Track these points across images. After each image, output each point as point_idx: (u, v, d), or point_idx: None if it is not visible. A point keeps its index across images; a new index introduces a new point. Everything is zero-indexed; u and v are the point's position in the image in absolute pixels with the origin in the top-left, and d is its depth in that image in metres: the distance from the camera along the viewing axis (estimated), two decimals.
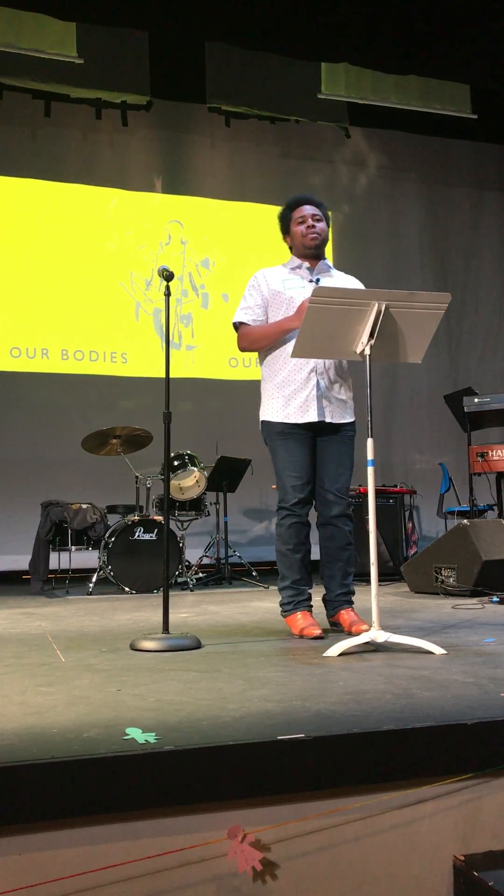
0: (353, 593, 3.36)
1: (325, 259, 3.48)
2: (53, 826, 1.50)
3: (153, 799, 1.55)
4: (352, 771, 1.67)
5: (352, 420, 3.41)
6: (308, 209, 3.43)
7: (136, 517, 5.72)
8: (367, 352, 2.89)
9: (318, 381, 3.31)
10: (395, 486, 6.89)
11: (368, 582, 2.87)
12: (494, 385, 8.68)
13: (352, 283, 3.47)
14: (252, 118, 8.31)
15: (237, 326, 3.45)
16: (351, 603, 3.34)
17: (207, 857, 1.56)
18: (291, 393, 3.31)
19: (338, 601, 3.33)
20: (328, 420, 3.32)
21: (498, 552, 4.92)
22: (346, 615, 3.28)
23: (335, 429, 3.35)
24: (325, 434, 3.34)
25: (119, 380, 7.72)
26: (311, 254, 3.42)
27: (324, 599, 3.38)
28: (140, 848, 1.53)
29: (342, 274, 3.53)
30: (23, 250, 7.57)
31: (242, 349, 3.49)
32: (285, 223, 3.49)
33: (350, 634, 3.09)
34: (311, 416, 3.29)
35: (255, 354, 3.53)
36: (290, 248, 3.51)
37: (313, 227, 3.40)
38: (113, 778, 1.53)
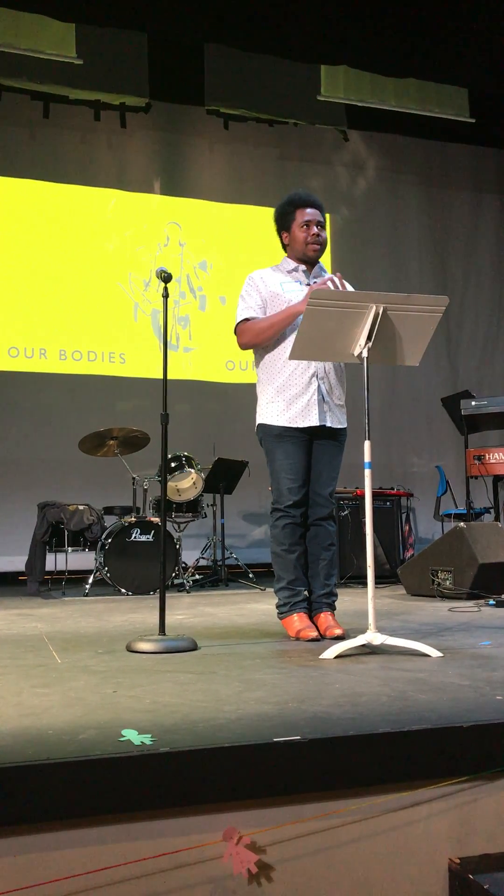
0: (334, 595, 3.36)
1: (319, 263, 3.47)
2: (49, 828, 1.50)
3: (149, 801, 1.54)
4: (348, 773, 1.67)
5: (346, 425, 3.42)
6: (312, 213, 3.36)
7: (132, 518, 5.72)
8: (365, 354, 2.89)
9: (319, 386, 3.30)
10: (393, 488, 6.90)
11: (365, 584, 2.87)
12: (494, 388, 8.69)
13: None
14: (251, 120, 8.31)
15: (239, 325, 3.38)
16: (332, 607, 3.34)
17: (203, 858, 1.56)
18: (292, 397, 3.30)
19: (319, 602, 3.34)
20: (328, 425, 3.32)
21: (494, 555, 4.92)
22: (323, 619, 3.28)
23: (332, 433, 3.35)
24: (321, 438, 3.34)
25: (117, 380, 7.72)
26: (307, 261, 3.41)
27: (307, 599, 3.39)
28: (135, 850, 1.53)
29: None
30: (21, 250, 7.57)
31: (245, 344, 3.37)
32: (286, 220, 3.40)
33: (324, 637, 3.16)
34: (313, 421, 3.29)
35: (252, 358, 3.50)
36: (286, 246, 3.44)
37: (318, 235, 3.34)
38: (109, 779, 1.53)
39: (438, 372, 8.71)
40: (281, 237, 3.46)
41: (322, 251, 3.40)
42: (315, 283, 3.38)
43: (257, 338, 3.33)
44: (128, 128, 7.98)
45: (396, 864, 1.68)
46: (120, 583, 5.56)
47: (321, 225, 3.38)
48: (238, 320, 3.38)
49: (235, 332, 3.41)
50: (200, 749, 1.59)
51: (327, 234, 3.47)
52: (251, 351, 3.47)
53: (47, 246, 7.65)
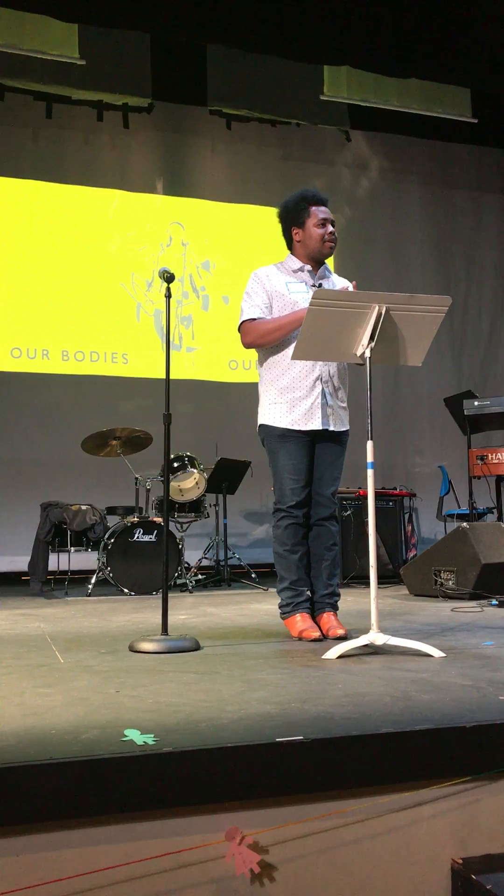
0: (337, 595, 3.35)
1: (325, 263, 3.46)
2: (52, 827, 1.50)
3: (151, 800, 1.55)
4: (350, 773, 1.67)
5: (349, 427, 3.42)
6: (327, 211, 3.34)
7: (135, 518, 5.72)
8: (368, 354, 2.89)
9: (323, 390, 3.29)
10: (395, 488, 6.89)
11: (367, 584, 2.86)
12: (497, 388, 8.69)
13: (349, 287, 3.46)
14: (253, 121, 8.32)
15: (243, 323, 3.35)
16: (335, 607, 3.34)
17: (205, 858, 1.56)
18: (296, 399, 3.29)
19: (322, 602, 3.34)
20: (331, 428, 3.31)
21: (497, 555, 4.92)
22: (326, 619, 3.28)
23: (335, 436, 3.35)
24: (324, 440, 3.34)
25: (119, 380, 7.73)
26: (319, 259, 3.38)
27: (310, 599, 3.39)
28: (138, 849, 1.53)
29: (339, 278, 3.51)
30: (24, 251, 7.58)
31: (249, 343, 3.33)
32: (300, 216, 3.34)
33: (326, 638, 3.16)
34: (316, 425, 3.28)
35: (255, 357, 3.49)
36: (297, 242, 3.37)
37: (333, 234, 3.33)
38: (111, 779, 1.53)
39: (441, 372, 8.71)
40: (290, 232, 3.40)
41: (334, 250, 3.39)
42: (321, 284, 3.38)
43: (262, 339, 3.30)
44: (130, 128, 7.99)
45: (399, 865, 1.68)
46: (122, 583, 5.56)
47: (334, 224, 3.37)
48: (243, 318, 3.35)
49: (239, 330, 3.39)
50: (203, 749, 1.59)
51: None
52: (254, 350, 3.46)
53: (50, 246, 7.65)
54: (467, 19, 6.33)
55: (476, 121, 8.36)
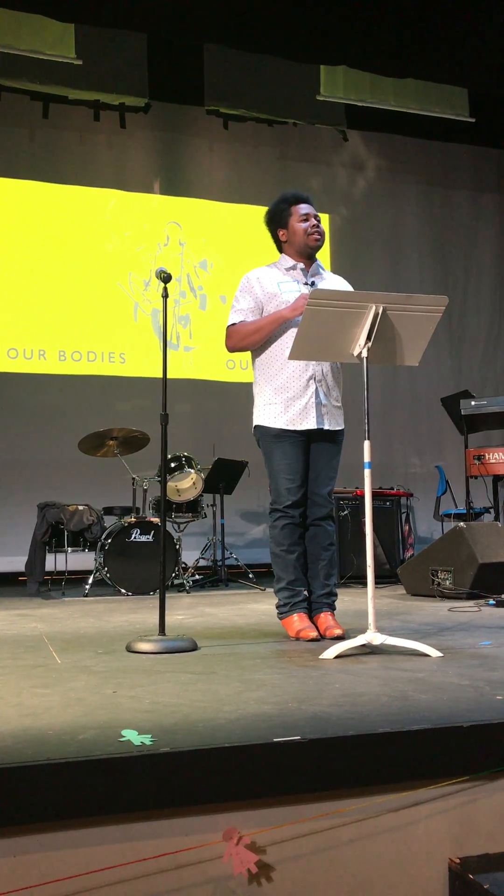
0: (334, 595, 3.36)
1: (317, 260, 3.47)
2: (49, 828, 1.50)
3: (149, 801, 1.54)
4: (348, 773, 1.67)
5: (343, 426, 3.42)
6: (308, 207, 3.39)
7: (132, 519, 5.72)
8: (365, 354, 2.89)
9: (316, 389, 3.30)
10: (392, 488, 6.89)
11: (365, 584, 2.87)
12: (496, 387, 8.70)
13: (342, 284, 3.46)
14: (250, 120, 8.32)
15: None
16: (332, 607, 3.34)
17: (203, 859, 1.56)
18: (290, 399, 3.29)
19: (319, 602, 3.34)
20: (326, 427, 3.32)
21: (494, 555, 4.92)
22: (323, 619, 3.28)
23: (330, 435, 3.35)
24: (319, 440, 3.34)
25: (116, 380, 7.72)
26: (308, 253, 3.40)
27: (307, 599, 3.39)
28: (135, 850, 1.53)
29: (332, 275, 3.51)
30: (21, 251, 7.57)
31: (231, 348, 3.40)
32: (282, 217, 3.40)
33: (324, 637, 3.17)
34: (310, 424, 3.28)
35: (251, 357, 3.50)
36: (284, 243, 3.42)
37: (317, 226, 3.36)
38: (108, 780, 1.53)
39: (439, 371, 8.71)
40: (277, 235, 3.44)
41: (322, 242, 3.40)
42: (314, 282, 3.38)
43: (242, 342, 3.35)
44: (127, 128, 7.98)
45: (396, 865, 1.68)
46: (120, 583, 5.56)
47: (318, 218, 3.40)
48: (228, 324, 3.39)
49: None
50: (200, 749, 1.59)
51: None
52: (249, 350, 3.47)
53: (47, 247, 7.65)
54: (464, 18, 6.33)
55: (473, 120, 8.37)
